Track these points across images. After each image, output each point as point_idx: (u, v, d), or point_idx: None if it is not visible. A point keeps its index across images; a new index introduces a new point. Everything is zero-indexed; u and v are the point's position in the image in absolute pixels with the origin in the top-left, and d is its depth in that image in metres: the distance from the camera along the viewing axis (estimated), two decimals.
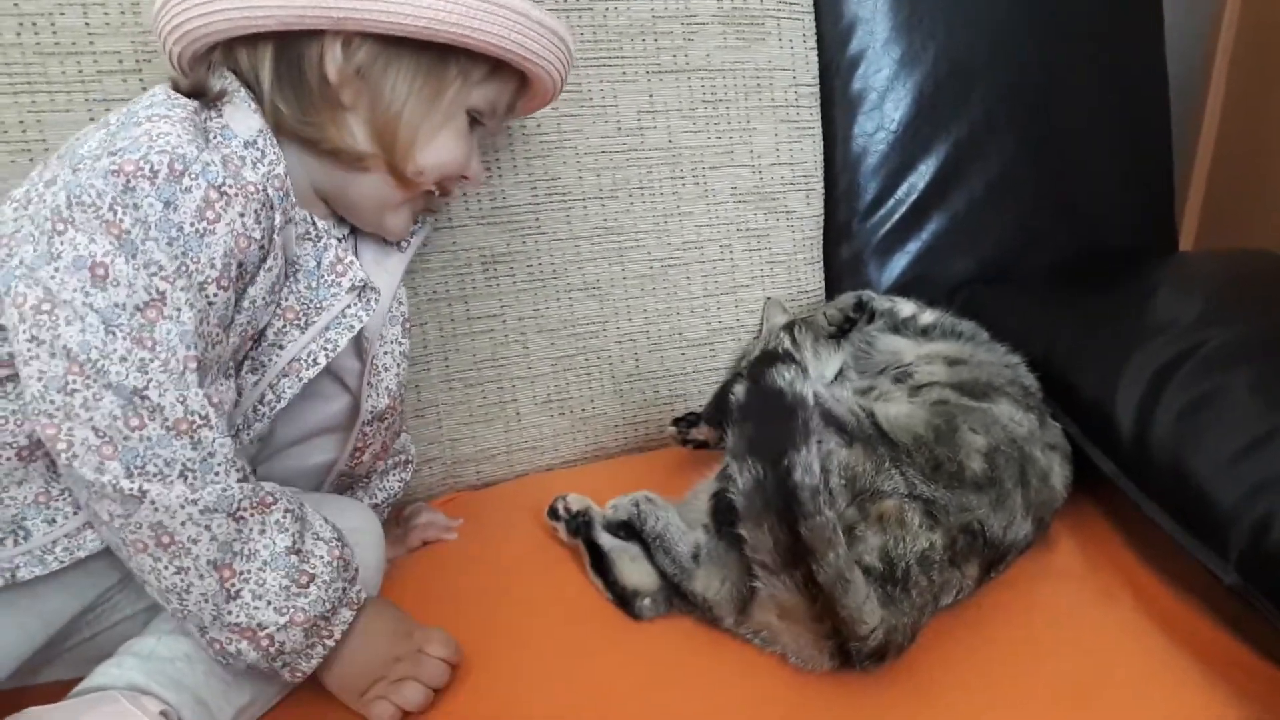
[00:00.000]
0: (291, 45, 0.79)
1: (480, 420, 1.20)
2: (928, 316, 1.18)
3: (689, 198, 1.25)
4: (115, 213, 0.68)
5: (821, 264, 1.37)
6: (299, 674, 0.78)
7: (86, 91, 0.95)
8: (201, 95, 0.78)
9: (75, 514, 0.75)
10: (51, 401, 0.67)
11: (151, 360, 0.69)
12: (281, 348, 0.83)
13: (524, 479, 1.22)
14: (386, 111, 0.82)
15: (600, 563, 0.97)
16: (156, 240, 0.69)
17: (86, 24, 0.95)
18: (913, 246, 1.37)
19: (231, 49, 0.80)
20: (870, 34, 1.33)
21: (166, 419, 0.69)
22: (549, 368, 1.22)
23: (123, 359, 0.68)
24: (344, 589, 0.78)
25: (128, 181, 0.68)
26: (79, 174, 0.69)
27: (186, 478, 0.70)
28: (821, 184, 1.35)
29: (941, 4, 1.35)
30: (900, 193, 1.36)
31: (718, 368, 1.31)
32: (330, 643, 0.78)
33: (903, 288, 1.34)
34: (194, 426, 0.70)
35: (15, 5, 0.92)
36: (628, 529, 0.98)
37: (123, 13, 0.96)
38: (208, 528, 0.71)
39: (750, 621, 0.89)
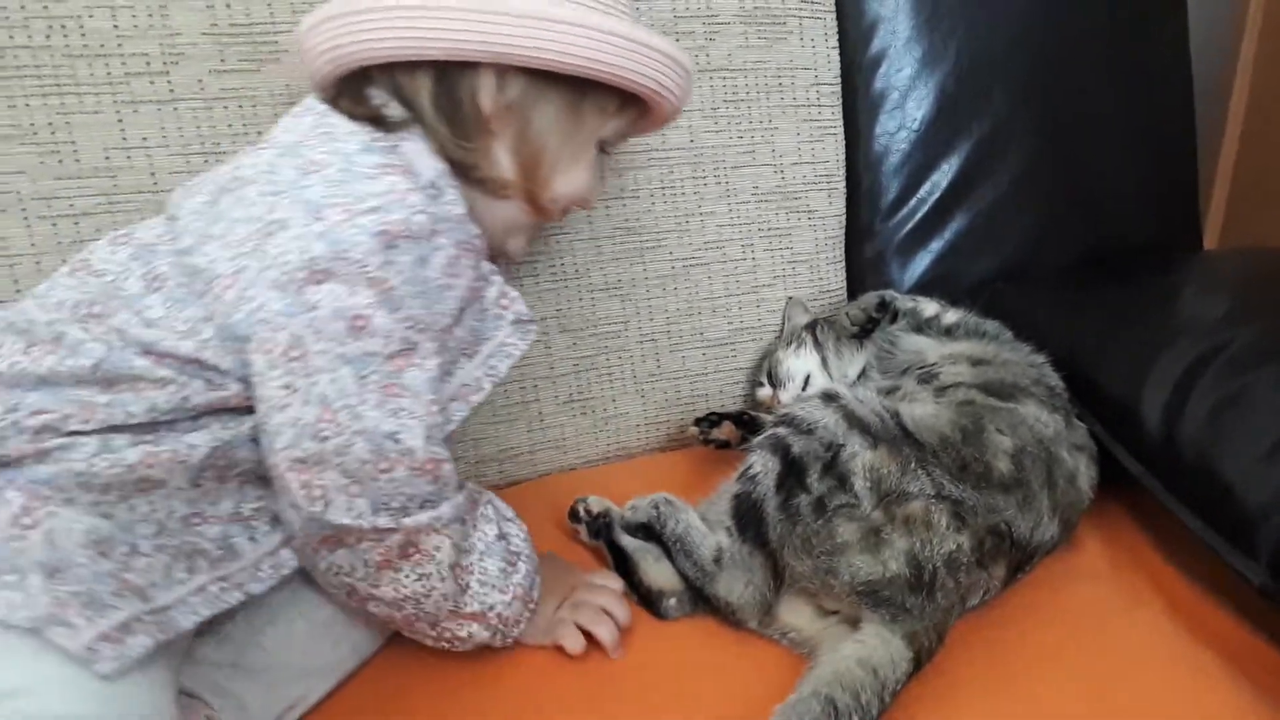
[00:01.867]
0: (450, 73, 0.79)
1: (503, 420, 1.20)
2: (951, 316, 1.17)
3: (710, 197, 1.25)
4: (382, 271, 0.71)
5: (843, 263, 1.37)
6: (510, 640, 0.85)
7: (115, 93, 0.96)
8: (376, 122, 0.79)
9: (272, 530, 0.79)
10: (305, 448, 0.71)
11: (401, 408, 0.73)
12: (451, 375, 0.85)
13: (546, 478, 1.22)
14: (532, 143, 0.84)
15: (624, 564, 0.97)
16: (411, 295, 0.73)
17: (115, 26, 0.95)
18: (935, 245, 1.36)
19: (390, 72, 0.80)
20: (892, 33, 1.32)
21: (415, 462, 0.74)
22: (571, 367, 1.22)
23: (376, 406, 0.72)
24: (534, 557, 0.86)
25: (392, 241, 0.71)
26: (338, 229, 0.70)
27: (425, 507, 0.76)
28: (843, 183, 1.34)
29: (963, 2, 1.34)
30: (923, 191, 1.35)
31: (739, 368, 1.31)
32: (534, 606, 0.86)
33: (925, 287, 1.33)
34: (437, 464, 0.75)
35: (45, 8, 0.93)
36: (646, 531, 0.98)
37: (150, 15, 0.96)
38: (448, 537, 0.78)
39: (776, 624, 0.89)
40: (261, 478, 0.76)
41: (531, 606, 0.85)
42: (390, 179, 0.73)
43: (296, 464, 0.71)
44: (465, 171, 0.82)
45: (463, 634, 0.82)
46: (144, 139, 0.98)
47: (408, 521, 0.75)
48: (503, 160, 0.83)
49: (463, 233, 0.79)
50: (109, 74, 0.96)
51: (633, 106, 0.89)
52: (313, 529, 0.74)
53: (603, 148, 0.91)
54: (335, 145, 0.75)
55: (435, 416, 0.75)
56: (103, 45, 0.95)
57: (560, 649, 0.88)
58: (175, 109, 0.99)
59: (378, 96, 0.80)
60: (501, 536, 0.83)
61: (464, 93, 0.80)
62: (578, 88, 0.83)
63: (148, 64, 0.97)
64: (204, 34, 0.98)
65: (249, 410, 0.74)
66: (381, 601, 0.78)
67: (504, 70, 0.79)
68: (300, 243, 0.70)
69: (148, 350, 0.71)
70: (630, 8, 0.85)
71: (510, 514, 0.87)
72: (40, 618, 0.65)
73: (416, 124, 0.79)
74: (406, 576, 0.77)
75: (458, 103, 0.80)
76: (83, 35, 0.94)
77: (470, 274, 0.80)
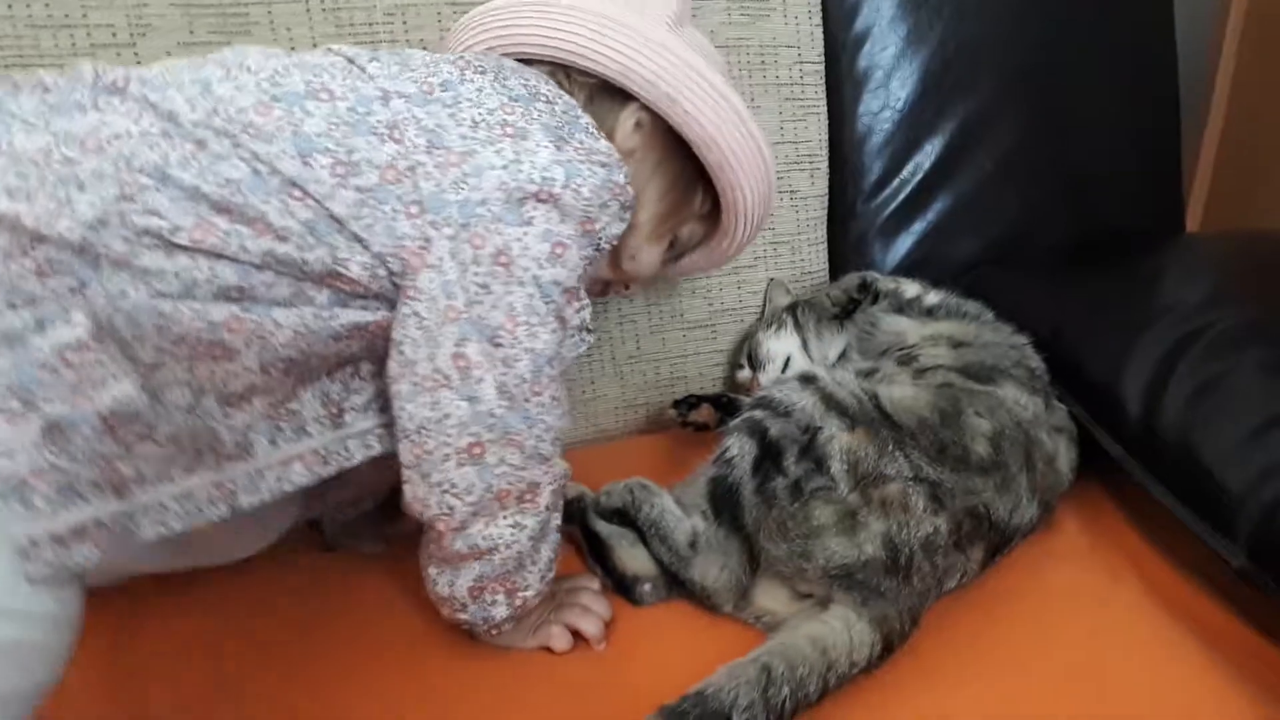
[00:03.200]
0: (603, 97, 0.87)
1: None
2: (932, 297, 1.16)
3: None
4: (594, 216, 0.77)
5: (825, 245, 1.36)
6: (497, 633, 0.85)
7: None
8: None
9: (297, 441, 0.77)
10: (484, 352, 0.74)
11: (568, 338, 0.79)
12: None
13: None
14: (638, 199, 0.87)
15: (598, 549, 0.96)
16: (595, 245, 0.79)
17: None
18: (918, 227, 1.35)
19: (552, 68, 0.86)
20: (876, 11, 1.31)
21: (556, 392, 0.78)
22: None
23: (553, 331, 0.76)
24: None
25: (610, 197, 0.78)
26: (576, 164, 0.76)
27: (556, 446, 0.80)
28: (826, 163, 1.33)
29: None
30: (905, 173, 1.34)
31: (720, 349, 1.30)
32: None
33: (908, 269, 1.32)
34: (560, 398, 0.79)
35: None
36: (621, 515, 0.97)
37: None
38: (554, 502, 0.82)
39: (751, 607, 0.89)
40: (313, 377, 0.76)
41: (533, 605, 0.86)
42: (608, 144, 0.79)
43: (484, 359, 0.74)
44: None
45: (489, 599, 0.82)
46: None
47: (555, 462, 0.80)
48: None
49: (626, 223, 0.83)
50: (74, 45, 0.94)
51: (713, 222, 0.98)
52: (471, 429, 0.75)
53: (670, 249, 0.97)
54: (555, 89, 0.81)
55: (571, 352, 0.81)
56: (67, 15, 0.93)
57: (546, 649, 0.87)
58: None
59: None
60: (557, 530, 0.85)
61: (608, 115, 0.86)
62: (696, 175, 0.91)
63: (114, 35, 0.95)
64: (172, 5, 0.96)
65: (346, 301, 0.73)
66: (463, 535, 0.78)
67: (646, 114, 0.87)
68: (538, 160, 0.74)
69: (291, 186, 0.69)
70: None
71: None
72: (8, 479, 0.62)
73: None
74: (504, 521, 0.78)
75: (601, 122, 0.83)
76: (46, 5, 0.92)
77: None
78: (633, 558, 0.94)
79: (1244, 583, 0.86)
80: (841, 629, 0.81)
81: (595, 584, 0.93)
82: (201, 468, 0.72)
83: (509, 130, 0.74)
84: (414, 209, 0.72)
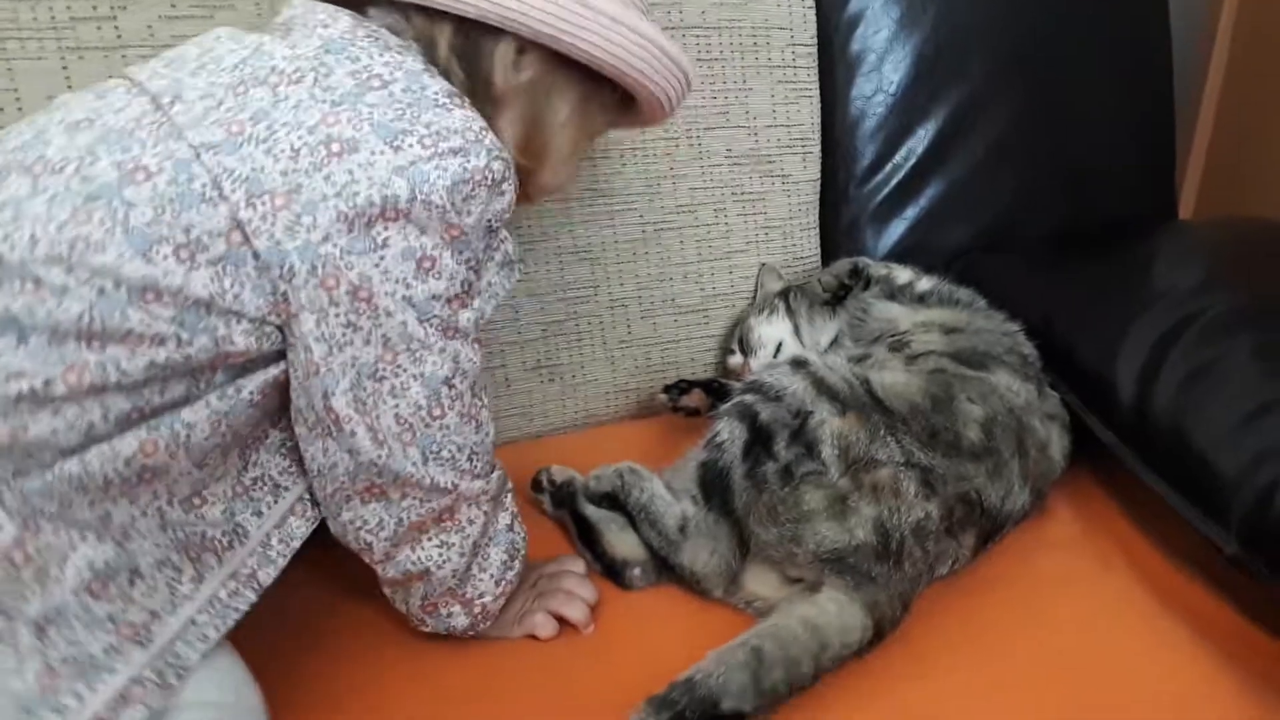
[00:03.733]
0: (470, 31, 0.75)
1: None
2: (924, 283, 1.16)
3: (683, 159, 1.23)
4: (458, 215, 0.68)
5: (818, 230, 1.35)
6: (477, 630, 0.83)
7: (59, 38, 0.92)
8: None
9: (276, 502, 0.75)
10: (363, 388, 0.69)
11: (457, 351, 0.72)
12: None
13: (513, 445, 1.19)
14: (538, 127, 0.81)
15: (588, 534, 0.95)
16: (477, 237, 0.71)
17: None
18: (910, 212, 1.34)
19: (406, 10, 0.76)
20: None
21: (464, 408, 0.73)
22: (539, 333, 1.19)
23: (441, 351, 0.70)
24: (526, 557, 0.85)
25: (472, 189, 0.68)
26: (420, 168, 0.66)
27: (474, 462, 0.75)
28: (819, 147, 1.32)
29: None
30: (898, 157, 1.33)
31: (711, 334, 1.29)
32: (505, 601, 0.84)
33: (900, 254, 1.32)
34: (479, 408, 0.75)
35: None
36: (611, 500, 0.96)
37: None
38: (484, 513, 0.78)
39: (741, 592, 0.88)
40: (256, 440, 0.73)
41: (504, 601, 0.84)
42: (463, 113, 0.69)
43: (359, 405, 0.69)
44: None
45: (444, 613, 0.81)
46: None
47: (463, 485, 0.75)
48: (506, 133, 0.78)
49: (515, 178, 0.74)
50: (53, 18, 0.91)
51: (630, 108, 0.87)
52: (362, 476, 0.72)
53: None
54: (393, 57, 0.70)
55: (479, 356, 0.74)
56: None
57: (532, 637, 0.86)
58: (123, 56, 0.94)
59: (388, 19, 0.76)
60: (510, 528, 0.82)
61: (482, 56, 0.76)
62: (593, 81, 0.80)
63: (94, 8, 0.93)
64: None
65: (244, 370, 0.69)
66: (392, 564, 0.77)
67: (525, 46, 0.76)
68: (375, 175, 0.65)
69: (145, 291, 0.62)
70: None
71: (515, 506, 0.85)
72: (32, 694, 0.62)
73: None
74: (430, 542, 0.76)
75: (474, 63, 0.76)
76: None
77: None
78: (622, 542, 0.94)
79: (1235, 569, 0.86)
80: (834, 611, 0.80)
81: (580, 567, 0.92)
82: (209, 571, 0.71)
83: (335, 148, 0.65)
84: (260, 268, 0.65)
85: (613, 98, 0.84)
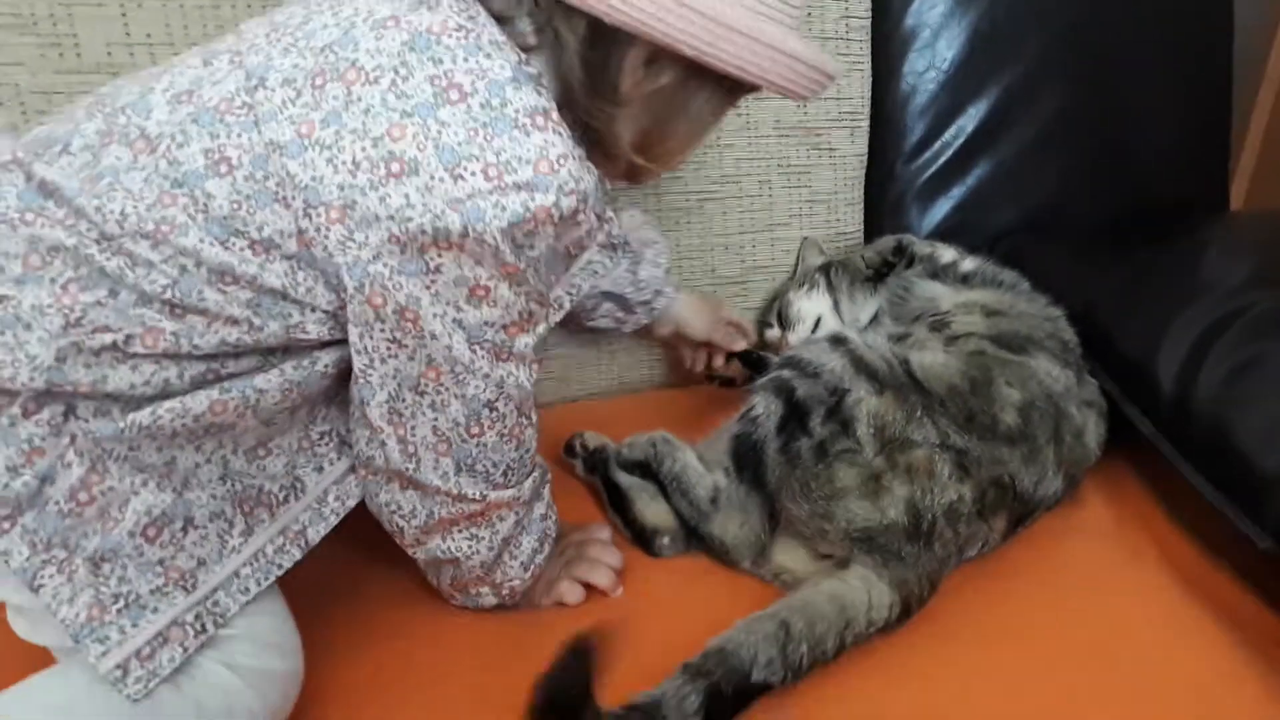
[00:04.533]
0: (604, 32, 0.67)
1: None
2: (968, 264, 1.15)
3: (730, 129, 1.22)
4: (515, 254, 0.65)
5: (862, 205, 1.34)
6: (507, 602, 0.85)
7: None
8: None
9: (339, 458, 0.76)
10: (402, 400, 0.69)
11: (508, 376, 0.70)
12: None
13: (549, 409, 1.19)
14: (659, 130, 0.75)
15: (619, 501, 0.96)
16: (539, 269, 0.68)
17: None
18: (957, 192, 1.33)
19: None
20: None
21: (506, 429, 0.73)
22: None
23: (485, 376, 0.69)
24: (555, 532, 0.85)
25: (534, 228, 0.64)
26: (478, 203, 0.62)
27: (509, 477, 0.76)
28: (868, 122, 1.31)
29: None
30: (948, 135, 1.32)
31: (751, 307, 1.29)
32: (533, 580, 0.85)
33: (944, 234, 1.30)
34: (523, 429, 0.75)
35: None
36: (643, 468, 0.97)
37: None
38: (516, 513, 0.78)
39: (769, 565, 0.89)
40: (327, 398, 0.75)
41: (534, 576, 0.85)
42: (542, 136, 0.64)
43: (394, 416, 0.70)
44: (578, 114, 0.72)
45: (473, 593, 0.83)
46: (147, 35, 0.95)
47: (492, 496, 0.75)
48: (624, 133, 0.74)
49: (599, 203, 0.69)
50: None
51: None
52: (395, 473, 0.73)
53: None
54: (480, 63, 0.64)
55: (533, 379, 0.73)
56: None
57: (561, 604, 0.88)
58: (180, 5, 0.95)
59: (509, 7, 0.69)
60: (545, 517, 0.83)
61: (614, 57, 0.69)
62: (728, 87, 0.74)
63: None
64: None
65: (323, 345, 0.70)
66: (422, 549, 0.78)
67: (658, 53, 0.68)
68: (430, 202, 0.62)
69: (223, 275, 0.65)
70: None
71: (551, 496, 0.85)
72: (80, 623, 0.65)
73: (545, 52, 0.69)
74: (460, 534, 0.77)
75: (604, 62, 0.69)
76: None
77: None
78: (653, 510, 0.94)
79: (1270, 565, 0.86)
80: (861, 589, 0.80)
81: (605, 534, 0.93)
82: (260, 525, 0.73)
83: (395, 167, 0.63)
84: (321, 276, 0.67)
85: (743, 92, 0.77)
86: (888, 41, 1.29)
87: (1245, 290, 1.04)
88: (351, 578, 0.88)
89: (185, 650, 0.69)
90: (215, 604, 0.71)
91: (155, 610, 0.68)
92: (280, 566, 0.74)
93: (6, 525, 0.63)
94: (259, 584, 0.73)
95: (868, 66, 1.29)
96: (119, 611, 0.66)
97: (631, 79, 0.70)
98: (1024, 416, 0.92)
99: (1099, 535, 0.98)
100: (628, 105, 0.71)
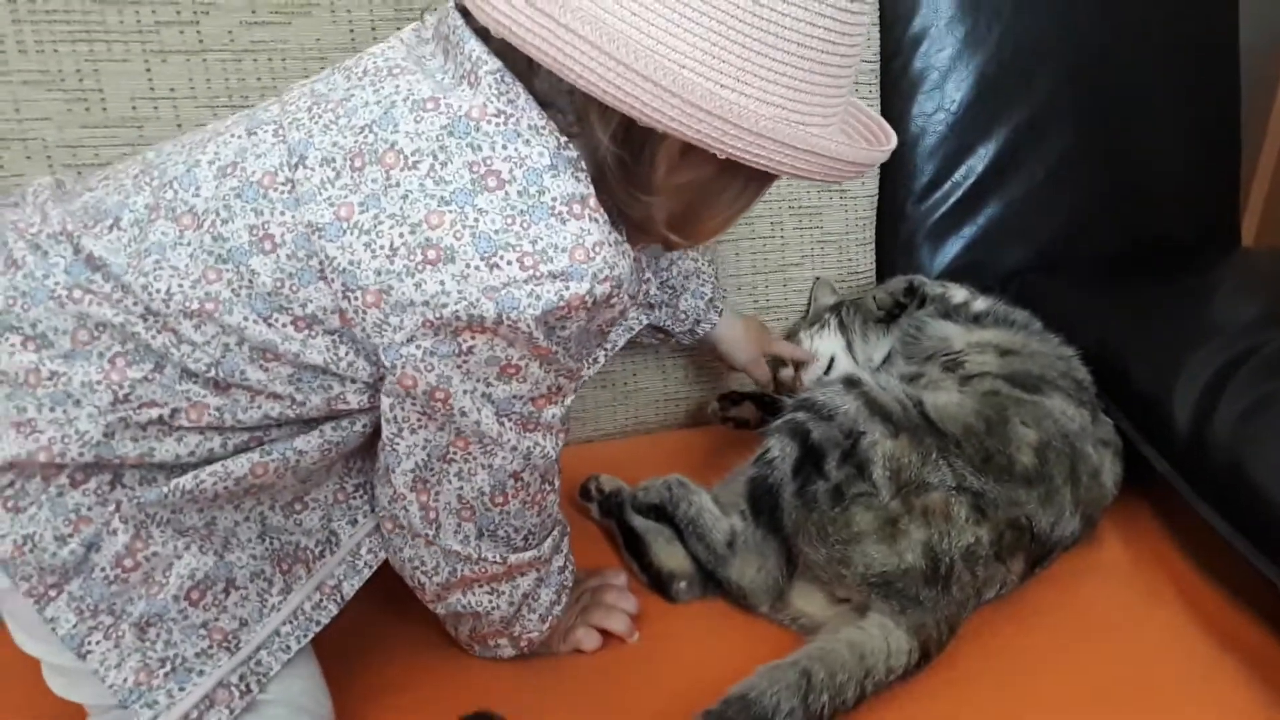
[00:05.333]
0: (641, 127, 0.64)
1: None
2: (980, 304, 1.15)
3: None
4: (548, 338, 0.65)
5: (874, 245, 1.34)
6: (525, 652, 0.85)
7: (144, 42, 0.95)
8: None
9: (372, 511, 0.77)
10: (430, 469, 0.70)
11: (534, 446, 0.70)
12: None
13: (564, 449, 1.21)
14: (693, 214, 0.74)
15: (635, 545, 0.96)
16: (570, 348, 0.68)
17: None
18: (967, 231, 1.33)
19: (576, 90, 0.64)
20: (934, 12, 1.29)
21: (529, 496, 0.73)
22: None
23: (513, 448, 0.69)
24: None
25: (567, 314, 0.63)
26: (513, 292, 0.61)
27: (529, 541, 0.76)
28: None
29: None
30: (957, 176, 1.33)
31: None
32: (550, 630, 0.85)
33: (956, 273, 1.31)
34: (545, 496, 0.75)
35: None
36: (658, 512, 0.97)
37: None
38: (536, 570, 0.79)
39: (787, 609, 0.89)
40: (362, 451, 0.75)
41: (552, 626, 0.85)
42: (579, 225, 0.62)
43: (419, 484, 0.71)
44: (612, 201, 0.70)
45: (491, 644, 0.84)
46: (171, 89, 0.97)
47: (512, 559, 0.75)
48: (658, 216, 0.72)
49: (634, 283, 0.70)
50: (139, 22, 0.94)
51: None
52: (416, 533, 0.74)
53: None
54: (519, 149, 0.63)
55: (559, 447, 0.73)
56: None
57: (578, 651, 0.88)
58: (204, 60, 0.97)
59: (547, 83, 0.66)
60: (563, 570, 0.83)
61: (646, 150, 0.67)
62: (763, 174, 0.70)
63: (178, 13, 0.96)
64: None
65: (364, 413, 0.71)
66: (442, 604, 0.79)
67: (693, 147, 0.64)
68: (465, 290, 0.62)
69: (265, 352, 0.66)
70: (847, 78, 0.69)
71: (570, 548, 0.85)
72: (128, 688, 0.67)
73: (582, 139, 0.67)
74: (480, 590, 0.77)
75: (637, 155, 0.67)
76: None
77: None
78: (669, 555, 0.94)
79: None
80: (879, 636, 0.80)
81: (620, 579, 0.94)
82: (297, 583, 0.74)
83: (431, 254, 0.62)
84: (360, 351, 0.67)
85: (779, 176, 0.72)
86: (897, 84, 1.31)
87: (1259, 328, 1.05)
88: (371, 628, 0.88)
89: (231, 712, 0.70)
90: (258, 663, 0.72)
91: (201, 673, 0.69)
92: (318, 623, 0.75)
93: (53, 593, 0.65)
94: (299, 641, 0.74)
95: (877, 109, 1.30)
96: (166, 675, 0.68)
97: (665, 170, 0.68)
98: (1040, 457, 0.92)
99: (1117, 576, 0.98)
100: (660, 194, 0.70)
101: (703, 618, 0.92)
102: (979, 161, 1.33)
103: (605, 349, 0.76)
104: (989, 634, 0.88)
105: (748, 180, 0.71)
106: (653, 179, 0.68)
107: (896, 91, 1.31)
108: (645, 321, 0.74)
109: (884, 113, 1.30)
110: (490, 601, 0.78)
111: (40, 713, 0.74)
